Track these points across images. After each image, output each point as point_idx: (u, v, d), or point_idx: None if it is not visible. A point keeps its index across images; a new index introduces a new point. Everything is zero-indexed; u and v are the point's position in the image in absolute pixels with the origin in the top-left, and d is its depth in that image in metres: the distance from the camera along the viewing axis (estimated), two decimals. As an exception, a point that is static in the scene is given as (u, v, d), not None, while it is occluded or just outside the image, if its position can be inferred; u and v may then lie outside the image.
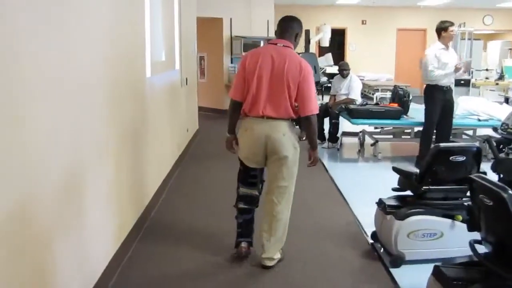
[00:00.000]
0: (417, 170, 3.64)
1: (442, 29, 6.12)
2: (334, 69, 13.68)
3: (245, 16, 11.00)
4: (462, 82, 12.11)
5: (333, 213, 4.75)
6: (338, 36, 15.81)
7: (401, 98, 7.17)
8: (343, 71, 7.80)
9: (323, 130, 8.02)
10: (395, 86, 7.83)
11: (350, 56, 16.08)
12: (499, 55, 16.05)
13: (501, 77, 12.56)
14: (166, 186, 5.35)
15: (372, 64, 15.58)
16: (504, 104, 9.16)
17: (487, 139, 3.68)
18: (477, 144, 4.47)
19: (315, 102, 3.30)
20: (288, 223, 3.55)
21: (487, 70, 12.85)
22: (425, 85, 6.28)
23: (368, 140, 7.63)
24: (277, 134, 3.24)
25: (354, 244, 4.03)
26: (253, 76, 3.24)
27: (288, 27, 3.40)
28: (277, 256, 3.46)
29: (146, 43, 4.36)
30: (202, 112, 11.00)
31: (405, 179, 3.69)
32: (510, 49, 16.75)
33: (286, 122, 3.29)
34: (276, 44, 3.36)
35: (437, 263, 2.77)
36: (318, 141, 7.55)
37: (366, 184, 5.81)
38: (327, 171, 6.38)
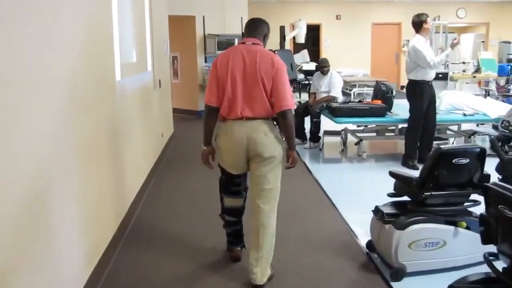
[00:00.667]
0: (416, 175, 3.36)
1: (422, 22, 5.94)
2: (311, 66, 13.45)
3: (219, 14, 10.63)
4: (441, 75, 12.00)
5: (323, 221, 4.45)
6: (313, 32, 15.56)
7: (384, 94, 6.91)
8: (323, 68, 7.51)
9: (304, 129, 7.73)
10: (377, 82, 7.57)
11: (325, 52, 15.84)
12: (473, 48, 16.07)
13: (477, 70, 12.46)
14: (143, 195, 4.99)
15: (348, 59, 15.37)
16: (489, 98, 9.00)
17: (492, 140, 3.43)
18: (480, 144, 4.21)
19: (290, 97, 3.15)
20: (276, 232, 3.31)
21: (464, 63, 12.74)
22: (408, 81, 6.04)
23: (351, 139, 7.38)
24: (258, 134, 3.12)
25: (348, 255, 3.74)
26: (227, 78, 3.14)
27: (257, 26, 3.34)
28: (268, 272, 3.24)
29: (115, 44, 3.98)
30: (177, 114, 10.62)
31: (404, 185, 3.40)
32: (483, 41, 16.80)
33: (267, 122, 3.16)
34: (245, 43, 3.27)
35: (451, 284, 2.49)
36: (299, 141, 7.44)
37: (354, 187, 5.53)
38: (311, 173, 6.09)
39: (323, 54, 15.86)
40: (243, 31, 3.50)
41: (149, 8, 5.88)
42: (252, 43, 3.24)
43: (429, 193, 3.19)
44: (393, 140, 7.66)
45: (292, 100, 3.17)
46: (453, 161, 3.11)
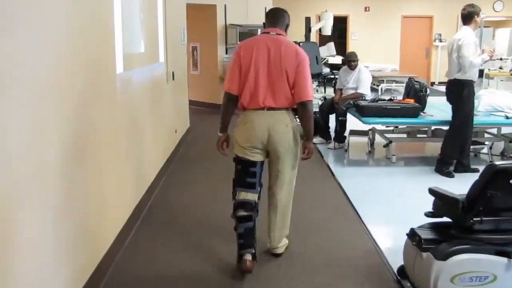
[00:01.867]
0: (459, 192, 2.82)
1: (475, 14, 5.34)
2: (337, 60, 12.86)
3: (241, 3, 10.10)
4: (475, 72, 11.28)
5: (347, 237, 3.92)
6: (340, 24, 14.92)
7: (417, 93, 6.32)
8: (351, 63, 6.94)
9: (329, 128, 7.19)
10: (409, 78, 6.96)
11: (352, 45, 15.22)
12: (509, 43, 15.21)
13: (515, 67, 11.68)
14: (148, 201, 4.53)
15: (376, 53, 14.74)
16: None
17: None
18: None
19: (311, 88, 3.23)
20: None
21: (501, 59, 11.97)
22: (454, 80, 5.41)
23: (379, 140, 6.82)
24: (280, 125, 3.18)
25: (377, 281, 3.23)
26: (250, 68, 3.14)
27: (280, 16, 3.34)
28: (285, 242, 3.50)
29: (116, 33, 3.51)
30: (195, 107, 10.21)
31: (447, 206, 2.86)
32: (521, 36, 15.92)
33: (288, 113, 3.22)
34: (268, 32, 3.27)
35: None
36: (323, 140, 6.90)
37: (382, 196, 4.98)
38: (334, 177, 5.56)
39: (350, 48, 15.22)
40: (264, 21, 3.41)
41: (163, -5, 5.42)
42: (276, 33, 3.24)
43: (479, 219, 2.65)
44: (424, 143, 7.08)
45: (312, 91, 3.25)
46: (511, 181, 2.56)
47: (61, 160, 2.52)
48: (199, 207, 4.55)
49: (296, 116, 3.32)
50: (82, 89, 2.84)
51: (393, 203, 4.74)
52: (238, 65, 3.18)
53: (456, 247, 2.71)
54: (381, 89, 12.74)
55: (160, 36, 5.31)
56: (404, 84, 13.54)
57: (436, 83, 15.17)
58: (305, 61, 3.18)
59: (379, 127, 6.68)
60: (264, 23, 3.41)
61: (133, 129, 4.05)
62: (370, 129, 6.79)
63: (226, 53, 10.10)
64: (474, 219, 2.66)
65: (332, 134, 7.05)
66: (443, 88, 6.72)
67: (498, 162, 2.61)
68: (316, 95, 11.13)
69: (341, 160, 6.60)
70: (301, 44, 10.75)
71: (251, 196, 3.23)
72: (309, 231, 3.99)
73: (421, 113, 6.07)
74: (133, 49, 4.09)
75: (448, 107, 7.24)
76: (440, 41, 15.40)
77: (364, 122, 6.05)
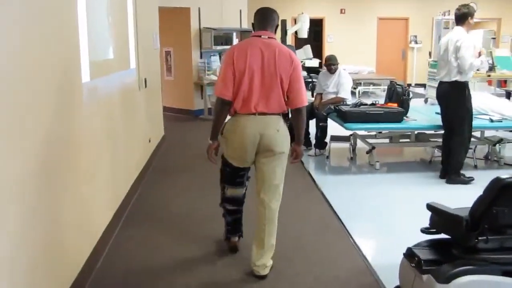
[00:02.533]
0: (464, 210, 2.58)
1: (469, 15, 5.17)
2: (314, 63, 12.67)
3: (215, 6, 9.82)
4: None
5: (336, 254, 3.66)
6: (315, 27, 14.73)
7: (399, 96, 6.13)
8: (331, 66, 6.71)
9: (309, 134, 6.94)
10: (391, 82, 6.76)
11: (328, 47, 15.06)
12: (482, 45, 15.26)
13: (491, 68, 11.65)
14: (120, 220, 4.20)
15: (352, 56, 14.55)
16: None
17: None
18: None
19: (305, 93, 3.21)
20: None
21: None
22: (451, 82, 5.19)
23: (360, 145, 6.62)
24: (271, 130, 3.13)
25: (371, 304, 2.98)
26: (244, 72, 3.08)
27: (270, 18, 3.26)
28: (270, 263, 3.29)
29: (81, 39, 3.19)
30: (170, 113, 9.89)
31: (449, 224, 2.62)
32: (494, 38, 16.01)
33: (278, 118, 3.17)
34: (260, 36, 3.19)
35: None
36: (303, 147, 6.65)
37: (369, 206, 4.75)
38: (317, 186, 5.32)
39: (326, 50, 15.06)
40: (253, 22, 3.32)
41: (133, -2, 5.10)
42: (268, 37, 3.17)
43: (485, 238, 2.42)
44: (407, 147, 6.90)
45: (306, 96, 3.21)
46: (519, 196, 2.34)
47: (23, 176, 2.21)
48: (174, 224, 4.24)
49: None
50: (45, 101, 2.53)
51: (381, 215, 4.51)
52: (231, 70, 3.10)
53: (460, 269, 2.47)
54: (359, 92, 12.59)
55: (131, 41, 4.99)
56: (381, 87, 13.62)
57: (413, 84, 15.11)
58: (299, 66, 3.17)
59: (361, 132, 6.47)
60: (252, 24, 3.33)
61: (102, 141, 3.73)
62: (351, 135, 6.58)
63: (201, 57, 9.79)
64: (479, 238, 2.43)
65: (313, 140, 6.82)
66: (420, 90, 6.58)
67: (505, 176, 2.38)
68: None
69: (323, 168, 6.36)
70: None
71: (239, 191, 3.45)
72: (295, 248, 3.72)
73: (405, 118, 5.87)
74: (100, 55, 3.77)
75: (430, 110, 7.11)
76: (416, 42, 15.38)
77: (346, 128, 5.82)
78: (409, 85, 15.35)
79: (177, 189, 5.25)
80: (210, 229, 3.98)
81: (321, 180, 5.55)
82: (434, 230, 2.80)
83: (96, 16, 3.66)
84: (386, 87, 13.08)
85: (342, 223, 4.20)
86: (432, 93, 11.59)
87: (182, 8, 9.41)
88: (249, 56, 3.08)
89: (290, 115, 3.30)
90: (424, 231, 2.87)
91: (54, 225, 2.68)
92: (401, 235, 3.95)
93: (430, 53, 14.52)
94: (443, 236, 2.78)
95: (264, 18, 3.26)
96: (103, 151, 3.75)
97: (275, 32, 3.27)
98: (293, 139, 3.28)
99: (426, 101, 11.77)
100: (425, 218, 2.86)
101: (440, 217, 2.69)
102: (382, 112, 5.71)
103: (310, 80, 11.52)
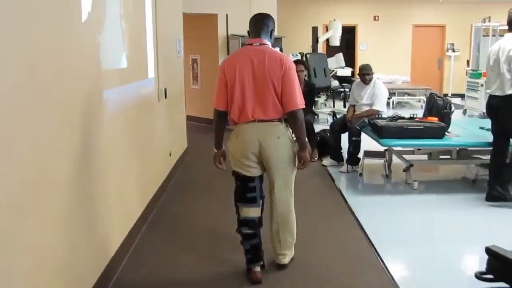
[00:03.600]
0: None
1: None
2: (346, 72, 12.20)
3: (243, 12, 9.42)
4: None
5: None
6: (347, 34, 14.26)
7: (440, 110, 5.62)
8: (365, 76, 6.26)
9: (341, 149, 6.49)
10: (431, 94, 6.23)
11: (361, 56, 14.58)
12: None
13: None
14: (133, 242, 3.84)
15: (386, 64, 14.02)
16: None
17: None
18: None
19: (300, 96, 3.14)
20: None
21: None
22: (507, 95, 4.63)
23: (396, 160, 6.13)
24: (271, 138, 3.14)
25: None
26: (235, 82, 3.10)
27: (263, 24, 3.25)
28: (291, 253, 3.44)
29: (90, 49, 2.85)
30: (195, 123, 9.57)
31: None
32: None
33: (279, 123, 3.17)
34: (252, 44, 3.21)
35: None
36: (334, 162, 6.21)
37: (406, 233, 4.26)
38: (349, 208, 4.84)
39: (359, 58, 14.58)
40: (248, 29, 3.31)
41: (153, 4, 4.75)
42: (260, 44, 3.17)
43: None
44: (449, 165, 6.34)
45: (302, 99, 3.15)
46: None
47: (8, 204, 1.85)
48: (196, 251, 3.85)
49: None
50: (58, 112, 2.17)
51: (419, 243, 4.02)
52: (223, 81, 3.15)
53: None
54: (393, 102, 12.06)
55: (150, 49, 4.65)
56: (416, 97, 13.04)
57: (449, 95, 14.45)
58: (291, 69, 3.11)
59: (397, 147, 5.97)
60: (248, 32, 3.32)
61: (114, 156, 3.37)
62: (386, 150, 6.09)
63: (228, 65, 9.45)
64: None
65: (345, 155, 6.36)
66: (457, 101, 6.07)
67: None
68: (324, 110, 10.47)
69: (356, 186, 5.89)
70: (308, 55, 10.11)
71: (253, 212, 3.27)
72: (326, 283, 3.28)
73: (446, 133, 5.36)
74: (111, 64, 3.42)
75: (472, 124, 6.57)
76: (453, 51, 14.72)
77: (382, 144, 5.35)
78: (446, 95, 14.72)
79: (196, 205, 4.87)
80: (231, 252, 3.59)
81: (353, 200, 5.09)
82: (494, 277, 2.32)
83: (107, 23, 3.31)
84: (421, 98, 12.73)
85: (378, 254, 3.72)
86: (471, 104, 11.03)
87: (209, 15, 9.10)
88: (239, 65, 3.10)
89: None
90: (479, 277, 2.39)
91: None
92: (442, 268, 3.54)
93: (468, 62, 13.83)
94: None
95: (256, 26, 3.25)
96: (112, 170, 3.39)
97: (271, 37, 3.26)
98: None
99: (464, 112, 11.17)
100: (470, 248, 2.41)
101: (504, 265, 2.21)
102: (422, 127, 5.20)
103: (342, 90, 11.06)
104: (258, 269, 3.30)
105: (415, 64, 14.82)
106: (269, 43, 3.22)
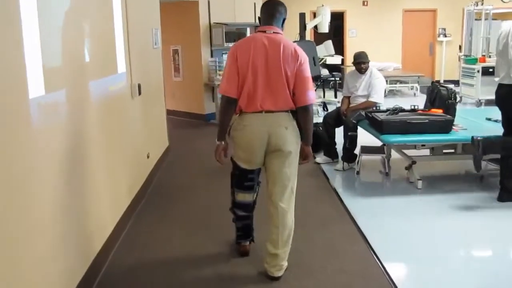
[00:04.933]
0: None
1: None
2: (336, 60, 11.65)
3: (227, -1, 8.90)
4: (491, 70, 10.14)
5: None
6: (336, 21, 13.65)
7: (444, 101, 5.11)
8: (361, 65, 5.73)
9: (335, 144, 5.97)
10: (433, 82, 5.72)
11: (349, 43, 14.07)
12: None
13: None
14: (103, 265, 3.30)
15: (376, 51, 13.38)
16: None
17: None
18: None
19: (312, 91, 3.08)
20: None
21: None
22: None
23: (394, 154, 5.63)
24: (280, 128, 3.04)
25: None
26: (247, 69, 2.99)
27: (276, 11, 3.12)
28: (285, 264, 3.21)
29: (27, 41, 2.27)
30: (179, 118, 9.03)
31: None
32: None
33: (287, 115, 3.07)
34: (265, 31, 3.08)
35: None
36: (328, 159, 5.68)
37: (412, 241, 3.76)
38: (347, 212, 4.34)
39: (348, 45, 14.05)
40: (260, 15, 3.19)
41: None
42: (273, 32, 3.06)
43: None
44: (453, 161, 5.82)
45: (314, 94, 3.10)
46: None
47: None
48: (174, 270, 3.32)
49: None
50: None
51: (428, 255, 3.51)
52: (235, 67, 3.00)
53: None
54: (385, 91, 11.53)
55: (119, 41, 4.06)
56: (408, 85, 12.55)
57: (441, 81, 13.99)
58: (306, 62, 3.03)
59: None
60: (259, 18, 3.19)
61: (68, 171, 2.81)
62: (384, 145, 5.58)
63: (212, 56, 8.87)
64: None
65: (339, 151, 5.85)
66: (450, 87, 5.57)
67: None
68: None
69: (353, 186, 5.36)
70: (295, 43, 9.54)
71: (249, 197, 3.32)
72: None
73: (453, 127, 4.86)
74: (67, 60, 2.84)
75: (476, 115, 6.10)
76: (445, 36, 14.24)
77: (383, 141, 4.84)
78: (438, 81, 14.25)
79: (178, 221, 4.32)
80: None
81: (352, 204, 4.57)
82: None
83: (55, 10, 2.73)
84: (414, 85, 12.24)
85: (386, 271, 3.21)
86: (466, 91, 10.57)
87: (190, 2, 8.50)
88: (253, 52, 2.98)
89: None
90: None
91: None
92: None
93: (460, 47, 13.36)
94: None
95: (269, 13, 3.12)
96: (69, 184, 2.83)
97: (282, 26, 3.14)
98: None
99: (460, 100, 10.69)
100: (487, 262, 1.90)
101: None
102: (427, 120, 4.69)
103: (332, 79, 10.53)
104: (246, 243, 3.47)
105: (406, 50, 14.33)
106: (282, 33, 3.10)
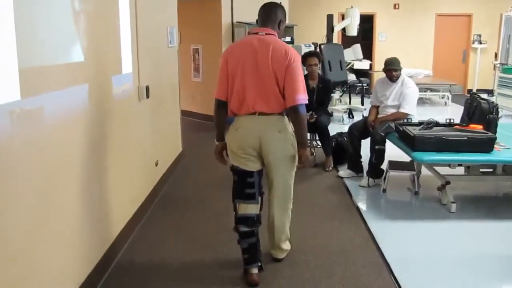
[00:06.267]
0: None
1: None
2: (364, 64, 11.18)
3: (251, -3, 8.48)
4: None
5: None
6: (364, 24, 13.12)
7: (485, 116, 4.60)
8: (392, 72, 5.23)
9: (360, 158, 5.49)
10: (471, 94, 5.17)
11: (378, 47, 13.51)
12: None
13: None
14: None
15: (406, 57, 12.81)
16: None
17: None
18: None
19: (303, 91, 2.98)
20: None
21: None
22: None
23: (424, 171, 5.13)
24: (272, 132, 3.02)
25: None
26: (237, 72, 2.99)
27: (271, 13, 3.12)
28: (287, 246, 3.39)
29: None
30: (197, 120, 8.69)
31: None
32: None
33: (281, 118, 3.05)
34: (257, 33, 3.06)
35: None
36: (352, 173, 5.19)
37: (447, 277, 3.28)
38: (375, 243, 3.81)
39: (377, 50, 13.50)
40: (256, 19, 3.19)
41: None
42: (265, 34, 3.03)
43: None
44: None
45: (305, 94, 3.01)
46: None
47: None
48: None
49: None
50: None
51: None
52: (224, 70, 3.05)
53: None
54: (416, 100, 10.98)
55: (126, 38, 3.68)
56: (440, 93, 11.94)
57: (474, 90, 13.34)
58: (296, 62, 2.99)
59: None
60: (257, 20, 3.18)
61: (55, 188, 2.42)
62: (412, 160, 5.07)
63: (233, 57, 8.45)
64: None
65: (365, 165, 5.37)
66: (484, 97, 5.05)
67: None
68: (339, 107, 9.44)
69: (379, 206, 4.87)
70: (322, 46, 9.07)
71: (251, 209, 3.13)
72: None
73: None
74: (53, 59, 2.45)
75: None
76: (480, 43, 13.56)
77: (416, 159, 4.34)
78: (470, 90, 13.62)
79: (180, 236, 3.92)
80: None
81: (376, 226, 4.12)
82: None
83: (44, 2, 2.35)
84: (445, 94, 11.64)
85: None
86: (503, 102, 9.92)
87: (212, 0, 8.09)
88: (241, 54, 2.99)
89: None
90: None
91: None
92: None
93: (496, 55, 12.70)
94: None
95: (264, 15, 3.12)
96: (51, 203, 2.44)
97: (280, 28, 3.13)
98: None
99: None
100: None
101: None
102: (466, 138, 4.18)
103: (359, 84, 10.03)
104: (255, 270, 3.17)
105: (437, 57, 13.69)
106: (275, 34, 3.08)
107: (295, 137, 3.09)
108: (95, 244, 3.08)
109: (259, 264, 3.21)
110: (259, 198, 3.16)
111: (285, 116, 3.07)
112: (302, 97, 2.97)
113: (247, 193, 3.12)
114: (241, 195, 3.13)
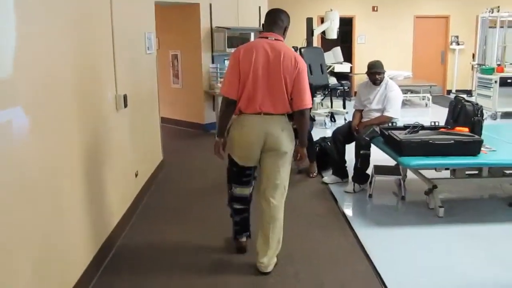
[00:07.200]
0: None
1: None
2: (345, 67, 11.13)
3: (230, 2, 8.36)
4: (510, 81, 9.57)
5: None
6: (344, 26, 13.08)
7: (470, 118, 4.55)
8: (376, 75, 5.17)
9: (345, 163, 5.41)
10: (456, 97, 5.11)
11: (358, 49, 13.49)
12: None
13: None
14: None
15: (385, 59, 12.76)
16: None
17: None
18: None
19: (309, 95, 3.23)
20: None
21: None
22: None
23: (410, 175, 5.06)
24: (276, 130, 3.19)
25: None
26: (249, 72, 3.13)
27: (278, 19, 3.31)
28: (274, 260, 3.36)
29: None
30: (177, 127, 8.54)
31: None
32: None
33: (283, 118, 3.24)
34: (267, 37, 3.24)
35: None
36: (337, 179, 5.13)
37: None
38: (364, 251, 3.71)
39: (357, 52, 13.49)
40: (263, 23, 3.37)
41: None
42: (275, 39, 3.22)
43: None
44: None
45: (310, 99, 3.24)
46: None
47: None
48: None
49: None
50: None
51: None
52: (236, 69, 3.15)
53: None
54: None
55: (102, 46, 3.52)
56: (420, 95, 11.95)
57: (453, 91, 13.43)
58: (304, 69, 3.19)
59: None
60: (263, 25, 3.36)
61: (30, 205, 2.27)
62: (397, 164, 5.00)
63: (213, 62, 8.33)
64: None
65: (350, 170, 5.29)
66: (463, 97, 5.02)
67: None
68: (321, 111, 9.36)
69: (365, 212, 4.79)
70: (303, 50, 8.98)
71: (246, 190, 3.48)
72: None
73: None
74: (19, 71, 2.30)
75: (503, 131, 5.54)
76: (458, 44, 13.65)
77: (403, 164, 4.26)
78: (449, 91, 13.70)
79: (165, 245, 3.78)
80: None
81: (363, 232, 4.04)
82: None
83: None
84: (425, 95, 11.66)
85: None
86: (483, 102, 9.93)
87: (190, 4, 7.97)
88: (255, 57, 3.11)
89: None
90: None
91: None
92: None
93: (473, 56, 12.80)
94: None
95: (271, 20, 3.30)
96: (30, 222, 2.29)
97: (284, 34, 3.33)
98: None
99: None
100: None
101: None
102: (452, 141, 4.12)
103: (341, 87, 9.98)
104: (244, 238, 3.62)
105: (417, 58, 13.73)
106: (283, 40, 3.27)
107: (293, 136, 3.31)
108: (73, 262, 2.92)
109: (248, 233, 3.65)
110: (253, 181, 3.51)
111: (285, 116, 3.25)
112: (309, 102, 3.21)
113: (244, 180, 3.45)
114: (239, 181, 3.45)
